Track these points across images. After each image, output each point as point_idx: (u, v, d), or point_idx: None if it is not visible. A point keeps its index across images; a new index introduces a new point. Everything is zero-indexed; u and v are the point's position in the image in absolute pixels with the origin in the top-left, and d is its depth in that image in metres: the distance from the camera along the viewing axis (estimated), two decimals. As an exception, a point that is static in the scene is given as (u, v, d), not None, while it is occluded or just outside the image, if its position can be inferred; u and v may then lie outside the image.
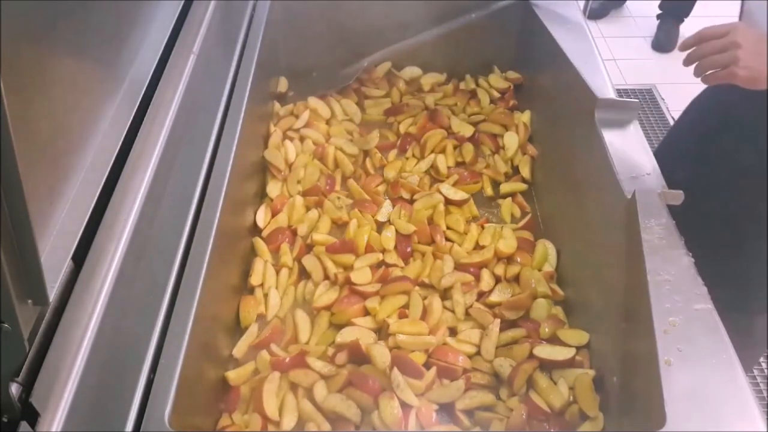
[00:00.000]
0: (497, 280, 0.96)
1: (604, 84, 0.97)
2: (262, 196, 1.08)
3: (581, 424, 0.77)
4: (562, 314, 0.91)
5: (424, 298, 0.92)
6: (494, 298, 0.92)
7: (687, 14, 2.73)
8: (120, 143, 0.76)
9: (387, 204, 1.06)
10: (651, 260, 0.71)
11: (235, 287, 0.91)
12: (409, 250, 0.99)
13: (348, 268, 0.96)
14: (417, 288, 0.93)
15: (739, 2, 0.97)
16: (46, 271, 0.54)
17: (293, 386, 0.82)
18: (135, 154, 0.78)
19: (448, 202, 1.07)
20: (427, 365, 0.84)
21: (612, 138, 0.87)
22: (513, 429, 0.77)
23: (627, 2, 2.99)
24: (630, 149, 0.86)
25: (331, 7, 1.27)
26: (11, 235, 0.49)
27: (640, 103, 0.90)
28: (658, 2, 2.78)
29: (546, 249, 0.99)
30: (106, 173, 0.72)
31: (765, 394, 1.61)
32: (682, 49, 0.85)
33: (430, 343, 0.85)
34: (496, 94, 1.27)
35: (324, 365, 0.83)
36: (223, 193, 0.82)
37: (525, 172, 1.14)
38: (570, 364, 0.82)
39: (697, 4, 2.68)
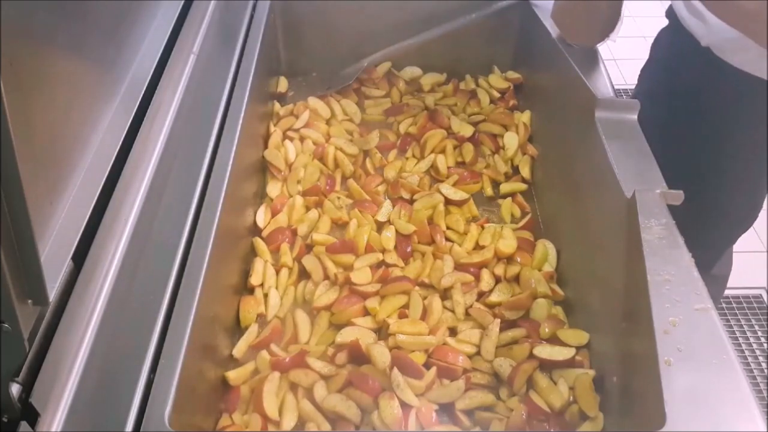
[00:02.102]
0: (497, 280, 0.96)
1: (604, 84, 0.97)
2: (262, 196, 1.08)
3: (581, 424, 0.77)
4: (562, 314, 0.91)
5: (424, 298, 0.92)
6: (494, 298, 0.92)
7: None
8: (120, 143, 0.76)
9: (387, 204, 1.06)
10: (651, 260, 0.71)
11: (235, 287, 0.91)
12: (409, 250, 0.99)
13: (348, 268, 0.96)
14: (417, 288, 0.93)
15: None
16: (46, 271, 0.54)
17: (293, 386, 0.82)
18: (135, 154, 0.78)
19: (448, 202, 1.07)
20: (427, 365, 0.84)
21: (612, 138, 0.87)
22: (513, 429, 0.77)
23: (627, 1, 2.99)
24: (630, 149, 0.86)
25: (330, 7, 1.27)
26: (11, 235, 0.49)
27: (640, 103, 0.91)
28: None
29: (546, 249, 0.99)
30: (106, 173, 0.72)
31: (765, 394, 1.61)
32: None
33: (430, 343, 0.85)
34: (496, 94, 1.27)
35: (324, 365, 0.83)
36: (223, 193, 0.82)
37: (525, 172, 1.14)
38: (570, 364, 0.82)
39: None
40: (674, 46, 1.07)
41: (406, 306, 0.91)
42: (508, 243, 0.99)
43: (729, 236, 1.21)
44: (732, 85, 0.97)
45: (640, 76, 1.19)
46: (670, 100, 1.08)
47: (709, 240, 1.16)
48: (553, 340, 0.86)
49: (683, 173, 0.90)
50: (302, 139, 1.17)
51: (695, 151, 1.06)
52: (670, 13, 1.08)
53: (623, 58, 2.67)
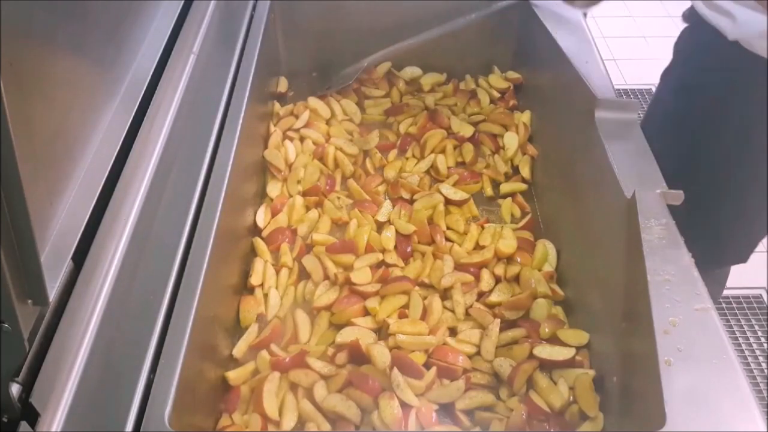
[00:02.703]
0: (497, 280, 0.96)
1: (604, 84, 0.97)
2: (262, 196, 1.08)
3: (581, 424, 0.77)
4: (562, 314, 0.91)
5: (424, 298, 0.92)
6: (494, 298, 0.92)
7: None
8: (120, 143, 0.76)
9: (387, 204, 1.06)
10: (651, 260, 0.71)
11: (235, 287, 0.91)
12: (409, 250, 0.99)
13: (348, 268, 0.96)
14: (417, 288, 0.93)
15: None
16: (46, 271, 0.54)
17: (293, 386, 0.82)
18: (135, 154, 0.78)
19: (448, 202, 1.07)
20: (427, 365, 0.84)
21: (612, 138, 0.87)
22: (513, 429, 0.77)
23: (627, 2, 3.00)
24: (630, 149, 0.86)
25: (331, 7, 1.27)
26: (11, 235, 0.49)
27: (640, 103, 0.91)
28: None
29: (546, 249, 0.99)
30: (106, 173, 0.72)
31: (765, 394, 1.61)
32: None
33: (430, 343, 0.85)
34: (496, 94, 1.27)
35: (324, 365, 0.83)
36: (223, 193, 0.82)
37: (525, 172, 1.14)
38: (570, 364, 0.82)
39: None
40: (699, 43, 1.08)
41: (406, 306, 0.91)
42: (508, 243, 0.99)
43: (759, 230, 1.21)
44: (762, 75, 0.98)
45: (662, 76, 1.19)
46: (697, 97, 1.08)
47: (738, 233, 1.16)
48: (553, 340, 0.86)
49: (710, 169, 0.90)
50: (302, 139, 1.18)
51: (724, 145, 1.07)
52: (691, 15, 1.08)
53: (623, 58, 2.67)
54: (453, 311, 0.91)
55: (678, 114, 0.93)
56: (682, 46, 1.15)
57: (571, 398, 0.79)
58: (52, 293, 0.60)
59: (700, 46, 1.08)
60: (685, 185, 0.80)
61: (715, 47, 1.01)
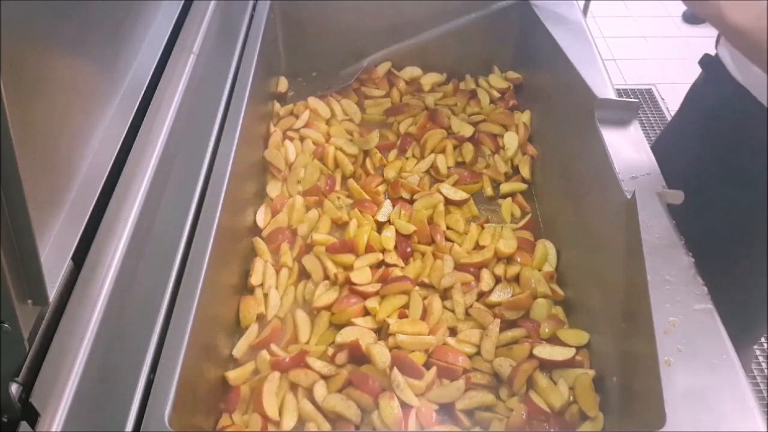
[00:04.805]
0: (497, 280, 0.96)
1: (604, 84, 0.97)
2: (262, 196, 1.09)
3: (581, 424, 0.77)
4: (562, 314, 0.91)
5: (424, 298, 0.92)
6: (494, 298, 0.92)
7: None
8: (120, 143, 0.76)
9: (387, 204, 1.06)
10: (651, 260, 0.71)
11: (235, 287, 0.91)
12: (409, 250, 0.99)
13: (348, 268, 0.96)
14: (417, 288, 0.93)
15: None
16: (46, 271, 0.54)
17: (293, 386, 0.82)
18: (135, 154, 0.78)
19: (448, 202, 1.07)
20: (427, 365, 0.84)
21: (612, 138, 0.87)
22: (513, 429, 0.77)
23: (627, 2, 2.99)
24: (630, 149, 0.86)
25: (331, 7, 1.27)
26: (11, 235, 0.49)
27: (640, 103, 0.90)
28: None
29: (546, 249, 0.99)
30: (106, 174, 0.72)
31: (765, 394, 1.61)
32: None
33: (430, 343, 0.85)
34: (496, 94, 1.27)
35: (324, 365, 0.83)
36: (223, 193, 0.82)
37: (525, 172, 1.14)
38: (570, 364, 0.82)
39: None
40: (723, 100, 0.94)
41: (406, 306, 0.91)
42: (508, 243, 0.99)
43: None
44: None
45: (671, 129, 1.09)
46: (723, 156, 0.95)
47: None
48: (553, 340, 0.86)
49: (736, 228, 0.85)
50: (302, 139, 1.18)
51: (752, 206, 0.93)
52: (710, 64, 0.96)
53: (623, 58, 2.67)
54: (453, 311, 0.91)
55: (696, 176, 0.86)
56: (696, 99, 1.02)
57: (571, 398, 0.79)
58: (52, 293, 0.60)
59: (728, 105, 0.93)
60: (714, 253, 0.74)
61: (746, 107, 0.88)
